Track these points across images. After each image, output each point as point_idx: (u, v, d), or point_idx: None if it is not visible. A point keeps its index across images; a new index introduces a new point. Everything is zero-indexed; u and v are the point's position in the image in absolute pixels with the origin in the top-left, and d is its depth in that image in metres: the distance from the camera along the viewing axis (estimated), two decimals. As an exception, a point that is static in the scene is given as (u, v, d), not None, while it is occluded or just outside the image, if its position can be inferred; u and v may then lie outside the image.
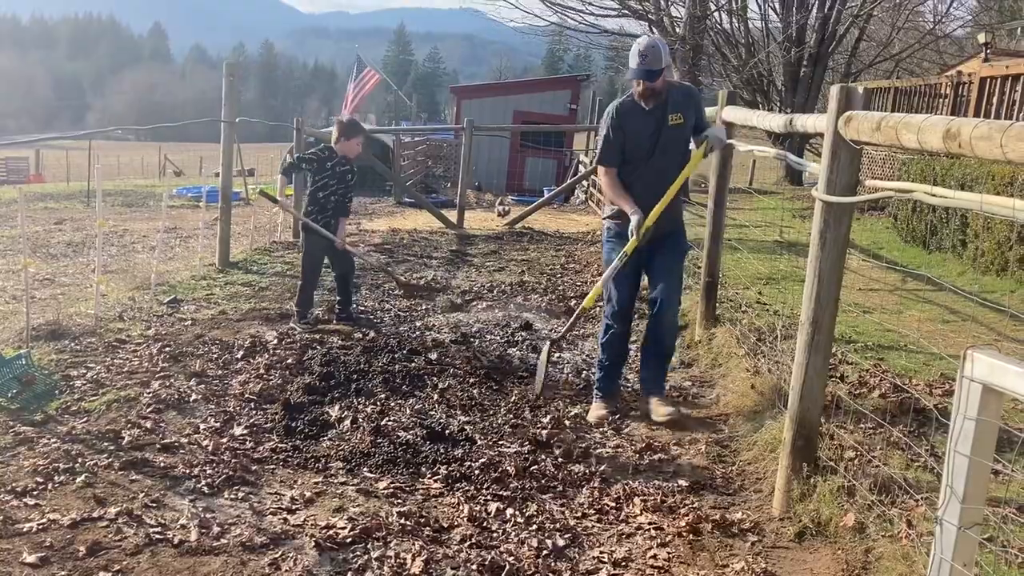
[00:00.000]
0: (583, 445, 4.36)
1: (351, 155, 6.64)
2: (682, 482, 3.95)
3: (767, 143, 18.58)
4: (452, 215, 13.33)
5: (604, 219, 5.04)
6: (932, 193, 2.82)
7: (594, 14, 19.01)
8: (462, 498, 3.69)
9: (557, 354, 5.94)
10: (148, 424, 4.31)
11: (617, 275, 4.77)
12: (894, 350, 5.84)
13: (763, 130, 5.60)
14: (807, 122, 4.07)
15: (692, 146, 4.86)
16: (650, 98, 4.60)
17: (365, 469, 3.96)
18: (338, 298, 6.88)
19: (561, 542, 3.35)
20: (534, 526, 3.47)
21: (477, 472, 3.95)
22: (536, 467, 4.03)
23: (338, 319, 6.68)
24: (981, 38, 17.71)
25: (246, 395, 4.84)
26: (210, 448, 4.07)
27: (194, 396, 4.77)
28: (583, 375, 5.60)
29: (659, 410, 4.72)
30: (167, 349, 5.61)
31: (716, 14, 21.49)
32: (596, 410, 4.84)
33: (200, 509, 3.48)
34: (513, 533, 3.41)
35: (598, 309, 5.81)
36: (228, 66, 9.08)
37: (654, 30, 18.09)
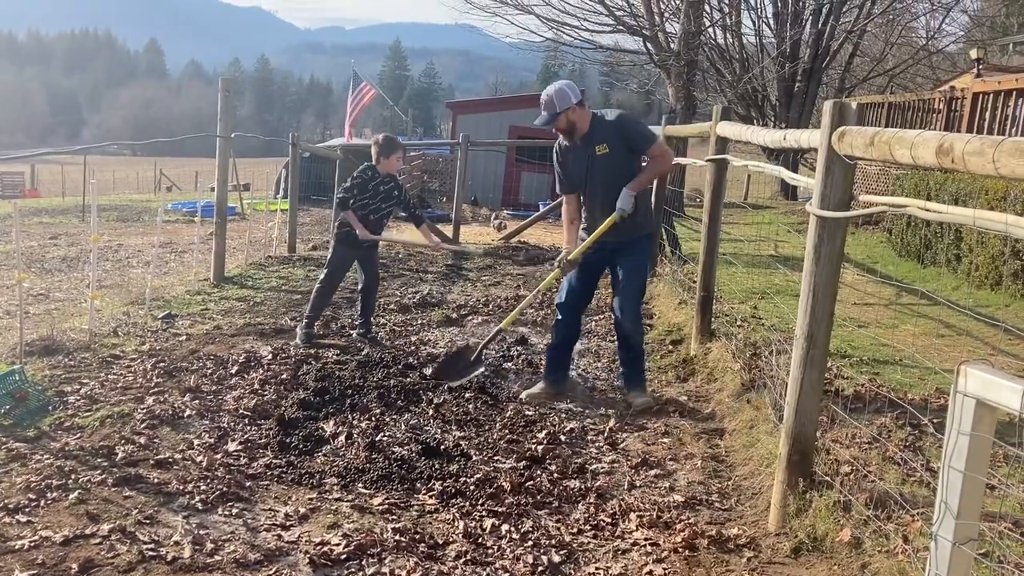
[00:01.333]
0: (579, 461, 4.35)
1: (392, 171, 6.69)
2: (678, 497, 3.94)
3: (762, 158, 18.64)
4: (448, 230, 13.33)
5: None
6: (926, 208, 2.84)
7: (589, 30, 19.06)
8: (457, 514, 3.68)
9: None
10: (142, 440, 4.29)
11: (575, 274, 5.34)
12: (889, 364, 5.85)
13: (758, 145, 5.63)
14: (801, 137, 4.09)
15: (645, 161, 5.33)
16: (569, 135, 5.22)
17: (360, 485, 3.95)
18: (359, 311, 6.84)
19: (557, 558, 3.33)
20: (529, 542, 3.46)
21: (472, 488, 3.94)
22: (531, 483, 4.02)
23: (358, 334, 6.67)
24: (973, 54, 17.83)
25: (240, 411, 4.82)
26: (204, 464, 4.05)
27: (188, 412, 4.76)
28: (578, 389, 5.59)
29: (634, 401, 5.20)
30: (161, 364, 5.59)
31: (711, 30, 21.58)
32: (534, 388, 5.39)
33: (194, 525, 3.46)
34: (508, 549, 3.40)
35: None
36: (224, 81, 9.10)
37: (649, 46, 18.16)
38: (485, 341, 5.77)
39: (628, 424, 4.93)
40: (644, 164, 5.29)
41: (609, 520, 3.69)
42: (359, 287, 6.92)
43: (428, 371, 5.62)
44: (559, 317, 5.48)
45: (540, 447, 4.46)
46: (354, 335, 6.69)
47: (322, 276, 6.86)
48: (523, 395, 5.35)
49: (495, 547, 3.42)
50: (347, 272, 6.92)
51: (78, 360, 5.58)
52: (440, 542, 3.43)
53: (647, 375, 5.53)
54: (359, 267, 6.85)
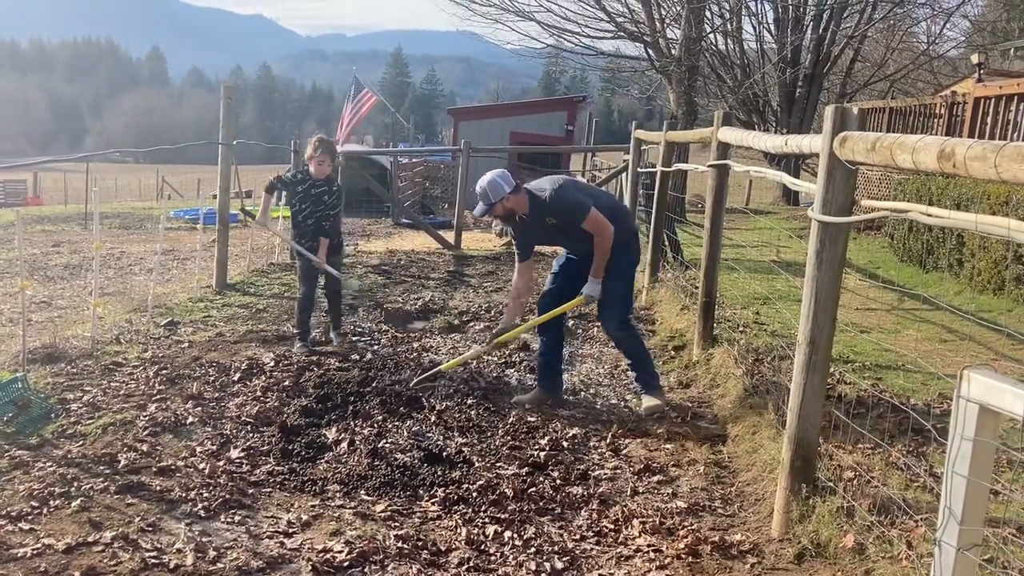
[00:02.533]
0: (581, 467, 4.34)
1: (320, 175, 6.42)
2: (681, 503, 3.94)
3: (763, 163, 18.67)
4: (449, 236, 13.35)
5: None
6: (928, 213, 2.83)
7: (590, 36, 19.10)
8: (460, 521, 3.67)
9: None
10: (144, 447, 4.29)
11: (553, 275, 5.60)
12: (892, 370, 5.84)
13: (759, 150, 5.63)
14: (803, 143, 4.09)
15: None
16: (506, 219, 5.38)
17: (362, 492, 3.94)
18: (329, 316, 6.93)
19: (559, 565, 3.33)
20: (532, 549, 3.45)
21: (475, 494, 3.93)
22: (534, 489, 4.01)
23: (326, 337, 6.76)
24: (975, 59, 17.82)
25: (243, 418, 4.82)
26: (206, 471, 4.05)
27: (191, 419, 4.76)
28: (581, 395, 5.59)
29: (645, 403, 5.22)
30: (164, 372, 5.60)
31: (711, 35, 21.62)
32: (527, 395, 5.48)
33: (196, 533, 3.45)
34: (511, 556, 3.39)
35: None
36: (225, 89, 9.11)
37: (650, 52, 18.19)
38: (421, 376, 5.55)
39: (631, 430, 4.93)
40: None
41: (612, 526, 3.69)
42: (326, 292, 6.89)
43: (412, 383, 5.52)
44: (540, 324, 5.52)
45: (542, 453, 4.45)
46: (331, 335, 6.78)
47: (298, 286, 6.80)
48: (514, 399, 5.40)
49: (498, 554, 3.41)
50: (314, 280, 6.71)
51: (80, 368, 5.58)
52: (443, 549, 3.43)
53: (658, 377, 5.47)
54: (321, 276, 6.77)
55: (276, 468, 4.17)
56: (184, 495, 3.79)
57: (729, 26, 22.51)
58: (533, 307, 6.19)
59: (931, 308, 7.87)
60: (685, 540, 3.49)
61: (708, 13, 20.76)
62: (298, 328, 6.64)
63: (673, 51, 17.36)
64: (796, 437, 3.52)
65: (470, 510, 3.79)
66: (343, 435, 4.59)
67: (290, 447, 4.41)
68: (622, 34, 18.65)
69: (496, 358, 6.41)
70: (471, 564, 3.30)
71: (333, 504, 3.82)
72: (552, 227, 5.27)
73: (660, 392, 5.30)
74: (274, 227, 7.53)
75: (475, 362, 6.24)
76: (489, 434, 4.77)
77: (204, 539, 3.40)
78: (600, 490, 4.06)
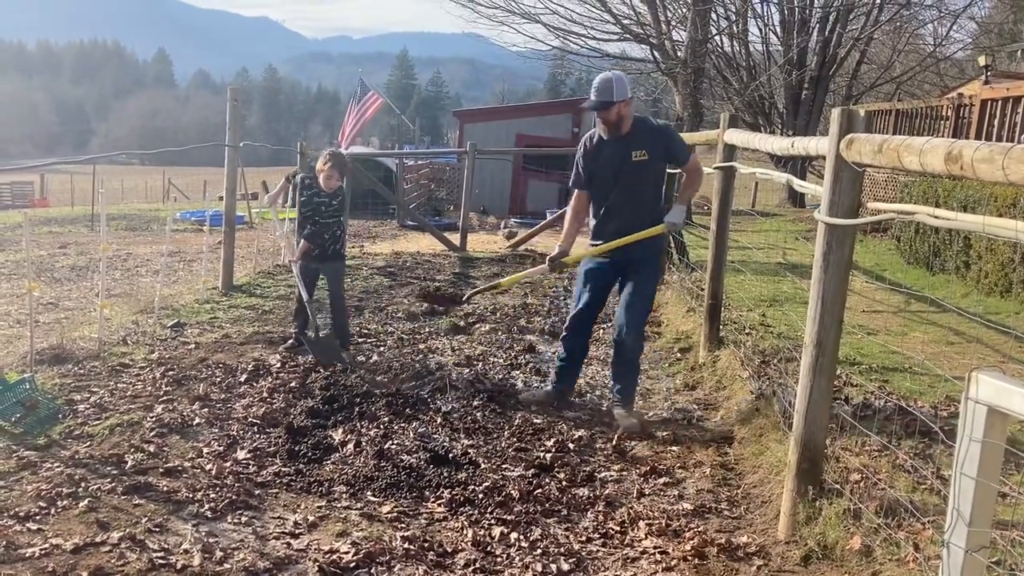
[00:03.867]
0: (587, 469, 4.34)
1: (325, 188, 6.36)
2: (687, 505, 3.93)
3: (770, 165, 18.64)
4: (455, 238, 13.36)
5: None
6: (935, 215, 2.83)
7: (596, 39, 19.13)
8: (466, 522, 3.68)
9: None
10: (151, 448, 4.30)
11: (586, 285, 5.23)
12: (899, 372, 5.83)
13: (765, 152, 5.63)
14: (809, 144, 4.08)
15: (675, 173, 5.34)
16: (609, 130, 4.97)
17: (368, 493, 3.95)
18: (332, 330, 6.64)
19: (566, 567, 3.33)
20: (538, 550, 3.45)
21: (481, 496, 3.93)
22: (540, 491, 4.01)
23: (341, 344, 6.55)
24: (981, 60, 17.79)
25: (249, 419, 4.83)
26: (213, 472, 4.06)
27: (197, 420, 4.77)
28: (587, 397, 5.59)
29: (621, 421, 4.97)
30: (171, 373, 5.61)
31: (717, 38, 21.63)
32: (538, 393, 5.43)
33: (203, 534, 3.46)
34: (517, 558, 3.39)
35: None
36: (232, 91, 9.14)
37: (656, 54, 18.19)
38: (478, 289, 6.08)
39: (636, 432, 4.92)
40: (684, 181, 5.28)
41: (618, 528, 3.69)
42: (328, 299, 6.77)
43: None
44: (569, 331, 5.35)
45: (548, 455, 4.45)
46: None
47: (297, 289, 6.74)
48: (522, 396, 5.37)
49: (504, 555, 3.41)
50: (311, 283, 6.62)
51: (88, 369, 5.60)
52: (449, 550, 3.43)
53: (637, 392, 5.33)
54: (326, 279, 6.68)
55: (283, 469, 4.18)
56: (191, 496, 3.80)
57: (735, 28, 22.53)
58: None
59: (938, 310, 7.85)
60: (691, 542, 3.49)
61: (714, 15, 20.79)
62: (295, 328, 6.63)
63: (679, 53, 17.37)
64: (803, 439, 3.52)
65: (476, 511, 3.79)
66: (349, 436, 4.60)
67: (296, 448, 4.42)
68: (628, 36, 18.68)
69: (502, 360, 6.41)
70: (477, 565, 3.30)
71: (339, 505, 3.83)
72: (635, 164, 4.92)
73: (633, 405, 5.17)
74: (276, 211, 7.50)
75: (480, 363, 6.25)
76: (495, 436, 4.78)
77: (211, 540, 3.41)
78: (606, 492, 4.06)
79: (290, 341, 6.53)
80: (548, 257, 5.20)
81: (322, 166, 6.36)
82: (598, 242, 5.15)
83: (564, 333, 5.42)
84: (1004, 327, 6.67)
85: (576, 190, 5.23)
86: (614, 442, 4.71)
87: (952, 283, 9.42)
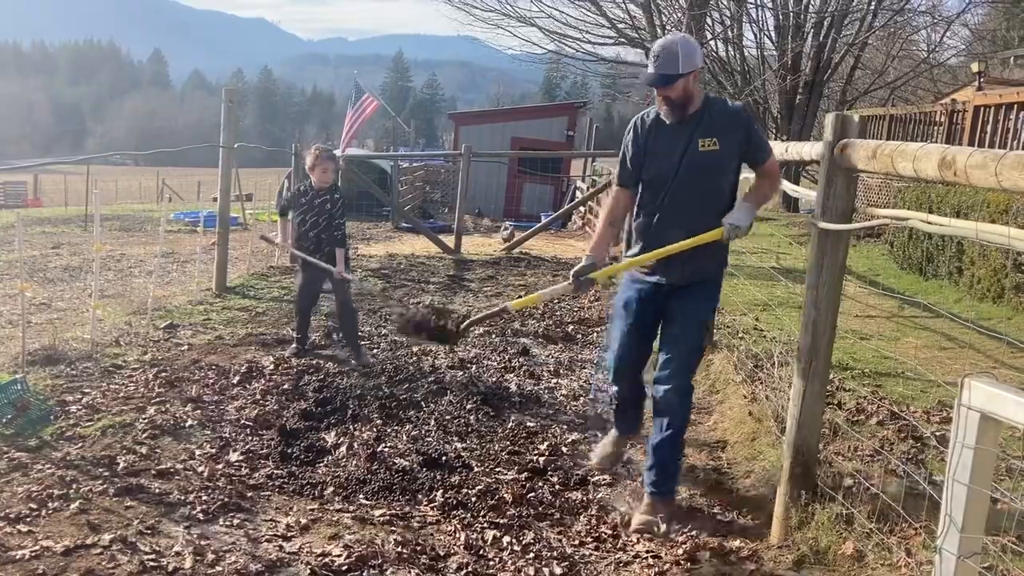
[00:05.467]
0: (580, 472, 4.34)
1: (324, 183, 6.29)
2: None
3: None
4: (449, 240, 13.35)
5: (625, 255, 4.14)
6: (928, 221, 2.84)
7: (591, 43, 19.20)
8: (459, 525, 3.67)
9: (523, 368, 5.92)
10: (143, 450, 4.29)
11: (625, 321, 4.04)
12: (891, 377, 5.84)
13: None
14: (803, 149, 4.09)
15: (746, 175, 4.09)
16: (671, 111, 3.78)
17: (361, 496, 3.94)
18: (344, 340, 6.50)
19: (558, 570, 3.32)
20: (531, 554, 3.45)
21: (474, 499, 3.93)
22: (533, 494, 4.01)
23: (354, 362, 6.23)
24: (975, 67, 17.85)
25: (242, 421, 4.82)
26: (205, 474, 4.05)
27: (190, 422, 4.75)
28: (580, 400, 5.59)
29: (639, 514, 3.79)
30: (163, 374, 5.59)
31: (712, 42, 21.67)
32: (605, 445, 4.50)
33: (195, 536, 3.45)
34: (510, 561, 3.39)
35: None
36: (227, 92, 9.12)
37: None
38: (481, 316, 4.52)
39: (631, 436, 4.92)
40: (756, 182, 4.00)
41: (611, 532, 3.69)
42: (335, 309, 6.58)
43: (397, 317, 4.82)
44: (614, 387, 4.28)
45: (542, 459, 4.45)
46: (353, 362, 6.23)
47: (296, 293, 6.69)
48: (594, 459, 4.42)
49: (497, 559, 3.41)
50: (313, 292, 6.54)
51: (80, 370, 5.58)
52: (441, 554, 3.43)
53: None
54: (332, 287, 6.47)
55: (275, 471, 4.17)
56: (183, 498, 3.79)
57: (730, 33, 22.57)
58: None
59: (931, 316, 7.87)
60: (684, 546, 3.49)
61: (709, 20, 20.84)
62: (296, 333, 6.53)
63: (674, 57, 17.38)
64: (795, 444, 3.52)
65: (469, 515, 3.79)
66: (342, 439, 4.59)
67: (289, 450, 4.41)
68: (623, 40, 18.73)
69: (496, 363, 6.40)
70: (470, 569, 3.29)
71: (332, 508, 3.82)
72: (702, 155, 3.75)
73: (674, 497, 3.92)
74: (288, 247, 6.81)
75: (474, 366, 6.25)
76: (488, 439, 4.77)
77: (203, 542, 3.40)
78: (599, 496, 4.06)
79: (293, 346, 6.45)
80: (572, 271, 3.87)
81: (314, 162, 6.27)
82: (644, 268, 3.94)
83: (607, 382, 4.49)
84: (996, 333, 6.68)
85: (617, 186, 4.07)
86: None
87: (945, 289, 9.44)
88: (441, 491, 4.00)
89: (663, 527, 3.66)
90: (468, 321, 4.32)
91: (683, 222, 3.79)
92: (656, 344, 4.09)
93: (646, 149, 3.88)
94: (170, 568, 3.16)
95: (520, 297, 4.28)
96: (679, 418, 3.85)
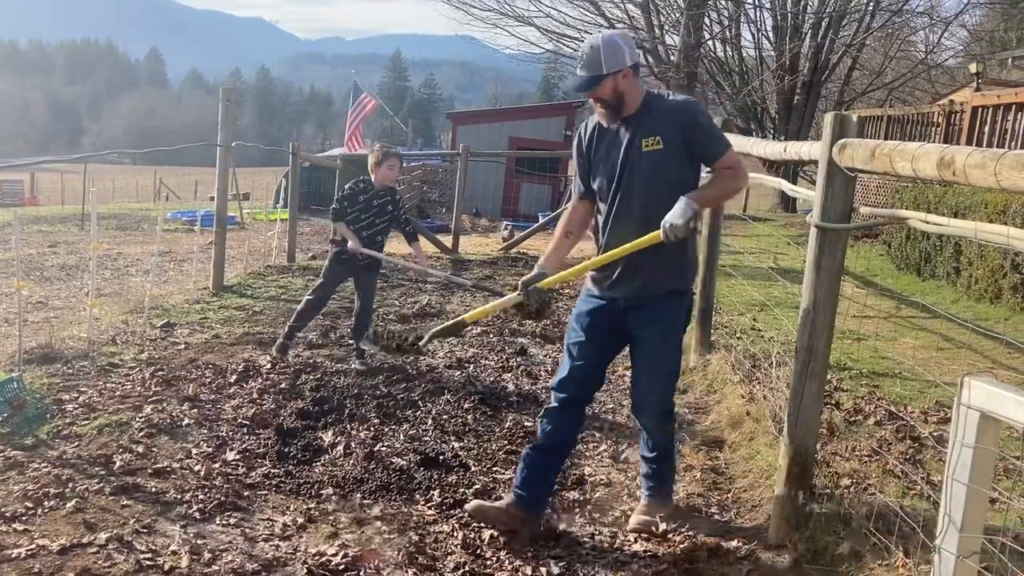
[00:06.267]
0: (577, 472, 4.34)
1: (388, 183, 6.13)
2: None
3: (761, 170, 18.66)
4: (447, 240, 13.35)
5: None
6: (926, 221, 2.84)
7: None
8: (456, 525, 3.66)
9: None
10: (140, 449, 4.28)
11: (576, 337, 3.73)
12: (889, 377, 5.84)
13: (757, 157, 5.63)
14: (802, 149, 4.09)
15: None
16: (607, 113, 3.60)
17: (358, 495, 3.93)
18: (354, 338, 6.35)
19: (556, 570, 3.32)
20: (528, 554, 3.44)
21: (471, 498, 3.92)
22: (531, 494, 3.99)
23: (359, 362, 6.13)
24: (972, 68, 17.89)
25: (239, 420, 4.81)
26: (202, 473, 4.04)
27: (187, 420, 4.74)
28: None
29: (639, 513, 3.77)
30: (160, 373, 5.58)
31: (710, 43, 21.69)
32: (491, 503, 3.78)
33: (191, 535, 3.44)
34: (507, 561, 3.38)
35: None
36: (224, 91, 9.11)
37: (649, 59, 18.22)
38: (438, 330, 4.11)
39: (627, 435, 4.92)
40: (711, 178, 3.62)
41: (608, 532, 3.68)
42: (354, 309, 6.46)
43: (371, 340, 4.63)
44: (553, 405, 3.76)
45: (539, 458, 4.43)
46: (355, 366, 6.08)
47: (312, 289, 6.53)
48: (470, 506, 3.75)
49: (494, 558, 3.40)
50: (336, 289, 6.58)
51: (76, 368, 5.56)
52: (439, 553, 3.42)
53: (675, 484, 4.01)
54: (355, 288, 6.43)
55: (272, 471, 4.16)
56: (179, 497, 3.77)
57: (728, 33, 22.60)
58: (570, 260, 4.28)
59: (928, 316, 7.87)
60: (681, 546, 3.49)
61: (707, 20, 20.86)
62: (295, 323, 6.35)
63: (672, 57, 17.41)
64: (793, 444, 3.52)
65: (466, 514, 3.78)
66: (339, 438, 4.58)
67: (286, 450, 4.40)
68: (621, 40, 18.69)
69: (494, 363, 6.40)
70: (467, 568, 3.29)
71: (329, 507, 3.81)
72: (647, 155, 3.50)
73: (670, 499, 3.87)
74: (360, 248, 6.16)
75: (472, 366, 6.24)
76: (486, 438, 4.76)
77: (199, 541, 3.39)
78: (596, 495, 4.05)
79: (281, 341, 6.39)
80: (521, 280, 3.80)
81: (380, 159, 6.04)
82: (597, 280, 3.75)
83: (543, 411, 3.84)
84: (994, 333, 6.68)
85: (575, 200, 3.89)
86: (604, 445, 4.67)
87: (942, 289, 9.45)
88: (438, 490, 4.00)
89: (661, 527, 3.65)
90: (428, 336, 4.11)
91: (634, 229, 3.53)
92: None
93: (590, 157, 3.71)
94: (166, 567, 3.15)
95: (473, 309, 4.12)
96: (664, 438, 3.78)
